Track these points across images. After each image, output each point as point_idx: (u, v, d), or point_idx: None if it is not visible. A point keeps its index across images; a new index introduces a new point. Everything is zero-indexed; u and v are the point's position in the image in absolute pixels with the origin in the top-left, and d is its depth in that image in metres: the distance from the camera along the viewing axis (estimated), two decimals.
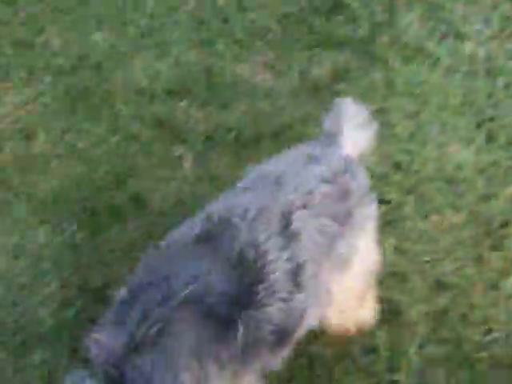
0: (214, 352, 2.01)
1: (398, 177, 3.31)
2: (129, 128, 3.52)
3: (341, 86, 3.70)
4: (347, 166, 2.42)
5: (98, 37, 4.01)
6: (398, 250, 3.06)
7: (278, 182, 2.27)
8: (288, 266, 2.14)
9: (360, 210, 2.39)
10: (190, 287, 1.99)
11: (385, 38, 3.92)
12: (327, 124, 2.61)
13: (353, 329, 2.73)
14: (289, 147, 2.40)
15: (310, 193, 2.26)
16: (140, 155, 3.41)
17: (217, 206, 2.29)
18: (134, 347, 1.91)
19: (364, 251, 2.46)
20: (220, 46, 3.91)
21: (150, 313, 1.95)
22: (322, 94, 3.68)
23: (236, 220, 2.16)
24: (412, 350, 2.73)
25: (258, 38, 3.94)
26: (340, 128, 2.50)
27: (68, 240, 3.11)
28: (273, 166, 2.43)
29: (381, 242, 2.83)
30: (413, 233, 3.12)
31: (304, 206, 2.22)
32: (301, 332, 2.28)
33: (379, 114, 3.47)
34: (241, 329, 2.03)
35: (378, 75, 3.73)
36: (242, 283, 2.06)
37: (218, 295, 2.03)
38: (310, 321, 2.29)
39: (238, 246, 2.10)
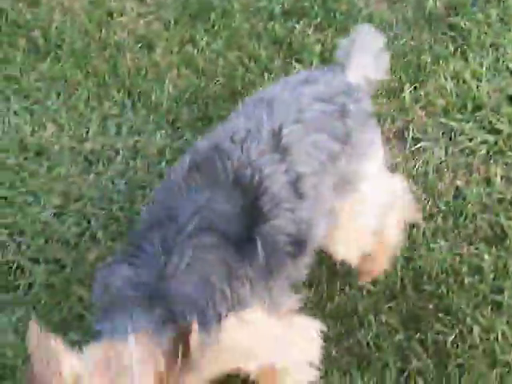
0: (241, 273, 2.07)
1: (509, 109, 3.31)
2: (246, 45, 3.56)
3: (456, 19, 3.68)
4: (348, 90, 2.38)
5: None
6: (506, 178, 3.11)
7: (270, 104, 2.26)
8: (286, 177, 2.16)
9: (361, 134, 2.36)
10: (197, 218, 2.03)
11: None
12: (339, 51, 2.58)
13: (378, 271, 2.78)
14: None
15: (302, 110, 2.25)
16: (256, 71, 3.46)
17: (206, 138, 2.33)
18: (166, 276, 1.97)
19: (374, 180, 2.45)
20: None
21: (169, 245, 2.00)
22: (437, 25, 3.68)
23: (225, 144, 2.18)
24: None
25: None
26: (350, 54, 2.45)
27: (184, 147, 3.20)
28: (268, 90, 2.43)
29: (487, 171, 2.92)
30: None
31: (296, 121, 2.22)
32: (314, 242, 2.32)
33: (493, 48, 3.50)
34: (259, 245, 2.09)
35: (493, 11, 3.70)
36: (244, 202, 2.10)
37: (226, 219, 2.08)
38: (320, 232, 2.31)
39: (232, 168, 2.10)
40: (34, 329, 1.68)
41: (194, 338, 1.73)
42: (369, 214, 2.51)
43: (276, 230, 2.13)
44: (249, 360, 2.10)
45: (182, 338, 1.74)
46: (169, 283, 1.96)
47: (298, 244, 2.22)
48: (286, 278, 2.25)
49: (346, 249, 2.53)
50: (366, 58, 2.51)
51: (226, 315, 2.01)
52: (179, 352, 1.74)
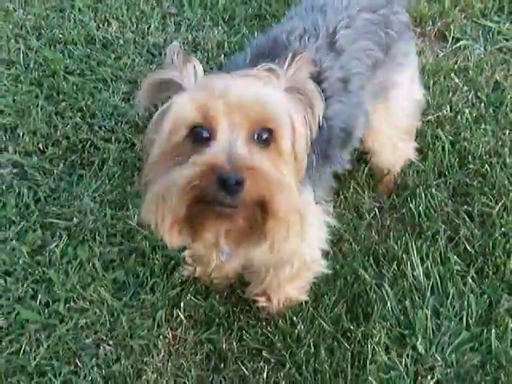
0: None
1: None
2: None
3: None
4: (388, 3, 2.52)
5: None
6: None
7: (323, 9, 2.42)
8: (340, 74, 2.33)
9: (399, 44, 2.54)
10: None
11: None
12: None
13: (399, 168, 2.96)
14: None
15: (353, 17, 2.41)
16: None
17: (263, 35, 2.47)
18: None
19: (404, 87, 2.64)
20: None
21: None
22: None
23: (283, 39, 2.31)
24: None
25: None
26: None
27: (241, 41, 3.40)
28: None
29: None
30: None
31: (347, 27, 2.38)
32: (357, 136, 2.53)
33: None
34: (324, 123, 2.21)
35: None
36: None
37: None
38: (361, 128, 2.52)
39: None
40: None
41: None
42: (398, 117, 2.72)
43: (334, 114, 2.31)
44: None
45: None
46: None
47: (347, 132, 2.41)
48: (333, 164, 2.46)
49: (379, 148, 2.78)
50: None
51: None
52: None
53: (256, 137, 1.81)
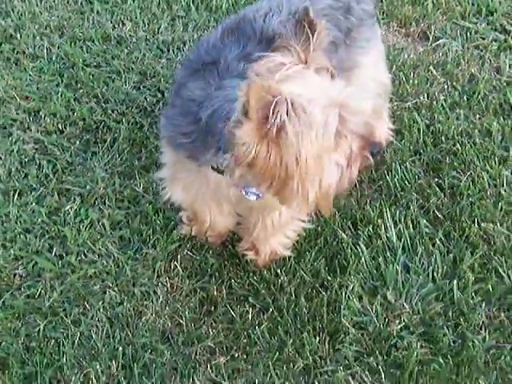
0: None
1: None
2: None
3: None
4: None
5: None
6: None
7: None
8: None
9: (360, 29, 2.75)
10: (244, 65, 2.32)
11: None
12: None
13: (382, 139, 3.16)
14: None
15: (314, 2, 2.57)
16: None
17: (233, 15, 2.74)
18: None
19: (368, 68, 2.88)
20: None
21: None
22: None
23: (251, 16, 2.50)
24: None
25: None
26: None
27: None
28: None
29: (497, 61, 3.48)
30: None
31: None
32: None
33: None
34: None
35: None
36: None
37: None
38: None
39: (258, 29, 2.45)
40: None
41: None
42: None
43: None
44: None
45: None
46: None
47: None
48: None
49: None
50: None
51: None
52: None
53: None
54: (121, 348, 2.62)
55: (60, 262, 2.89)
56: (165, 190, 2.73)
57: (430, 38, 3.78)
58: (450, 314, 2.73)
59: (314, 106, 2.10)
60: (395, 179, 3.14)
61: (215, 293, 2.81)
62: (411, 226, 2.99)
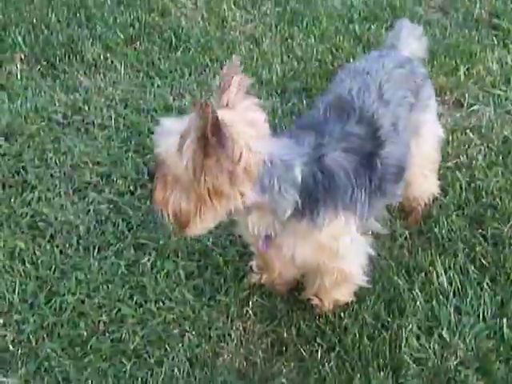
0: (364, 182, 2.76)
1: None
2: (333, 40, 4.57)
3: (498, 21, 4.70)
4: (409, 59, 3.09)
5: None
6: None
7: (366, 72, 2.93)
8: (391, 120, 2.82)
9: (424, 89, 3.08)
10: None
11: None
12: (388, 39, 3.34)
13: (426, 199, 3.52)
14: None
15: (389, 73, 2.92)
16: (342, 57, 4.43)
17: (326, 94, 3.07)
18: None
19: (430, 124, 3.25)
20: None
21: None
22: (483, 26, 4.72)
23: (346, 95, 2.83)
24: None
25: None
26: (399, 39, 3.19)
27: (293, 108, 4.14)
28: (357, 64, 3.10)
29: None
30: None
31: (388, 81, 2.89)
32: (406, 171, 3.05)
33: None
34: (378, 162, 2.84)
35: None
36: (368, 131, 2.77)
37: (360, 140, 2.74)
38: (409, 163, 2.97)
39: (357, 108, 2.78)
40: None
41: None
42: (427, 150, 3.31)
43: (388, 154, 2.86)
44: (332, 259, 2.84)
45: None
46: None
47: (399, 170, 2.96)
48: (387, 197, 3.02)
49: (412, 178, 3.28)
50: (411, 40, 3.34)
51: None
52: None
53: None
54: None
55: (141, 309, 3.13)
56: None
57: (465, 105, 4.10)
58: (502, 349, 2.95)
59: None
60: (442, 231, 3.39)
61: (285, 335, 3.03)
62: (460, 272, 3.24)
